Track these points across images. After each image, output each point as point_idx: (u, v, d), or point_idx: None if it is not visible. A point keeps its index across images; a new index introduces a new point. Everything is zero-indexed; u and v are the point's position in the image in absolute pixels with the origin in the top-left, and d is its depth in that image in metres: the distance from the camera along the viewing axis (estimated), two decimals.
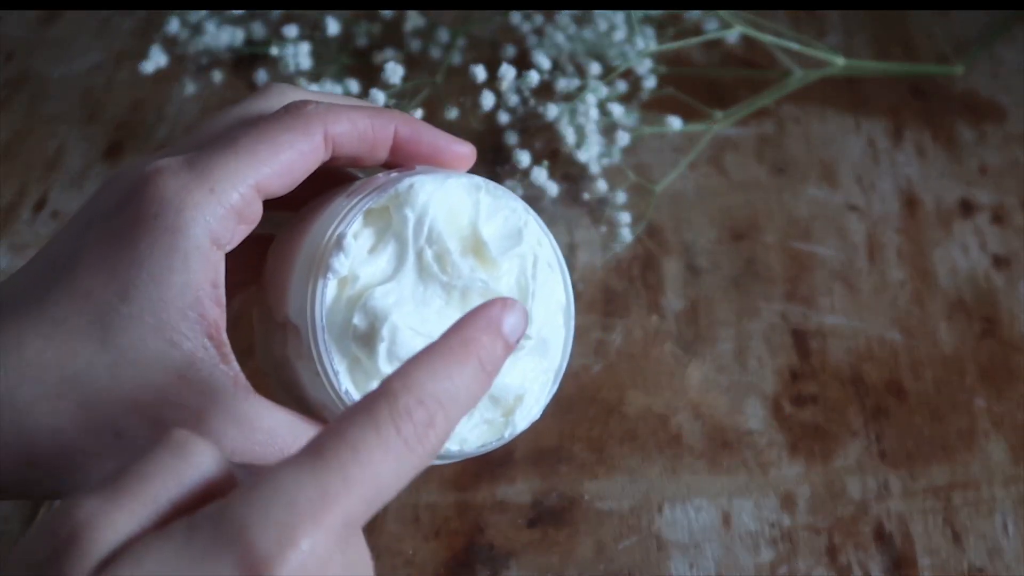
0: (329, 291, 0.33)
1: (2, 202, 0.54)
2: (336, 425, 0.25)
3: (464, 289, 0.34)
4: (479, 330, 0.28)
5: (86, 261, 0.31)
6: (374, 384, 0.33)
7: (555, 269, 0.37)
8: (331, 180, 0.37)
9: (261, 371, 0.37)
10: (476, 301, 0.34)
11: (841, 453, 0.45)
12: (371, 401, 0.26)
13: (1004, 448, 0.46)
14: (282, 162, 0.33)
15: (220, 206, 0.31)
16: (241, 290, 0.37)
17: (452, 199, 0.35)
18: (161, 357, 0.31)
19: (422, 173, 0.35)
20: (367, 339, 0.33)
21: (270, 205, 0.34)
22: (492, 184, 0.36)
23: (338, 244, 0.33)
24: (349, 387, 0.33)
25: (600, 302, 0.50)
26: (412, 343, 0.33)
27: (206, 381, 0.31)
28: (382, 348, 0.33)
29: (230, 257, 0.33)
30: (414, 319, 0.33)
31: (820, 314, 0.50)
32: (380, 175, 0.36)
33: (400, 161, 0.36)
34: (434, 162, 0.37)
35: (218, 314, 0.32)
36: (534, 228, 0.36)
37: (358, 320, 0.33)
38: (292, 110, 0.33)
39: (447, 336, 0.28)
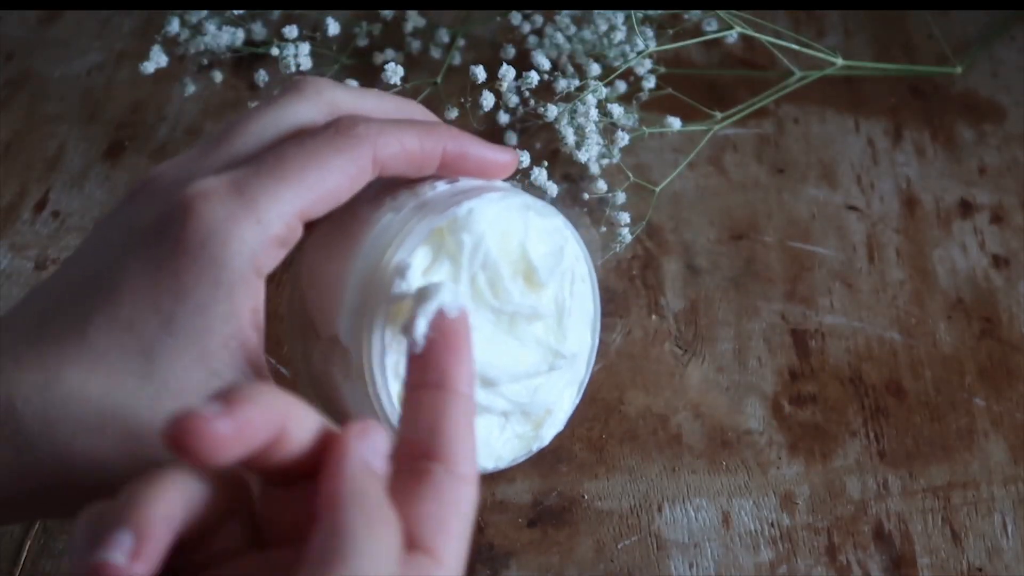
0: None
1: (2, 202, 0.54)
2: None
3: (512, 314, 0.34)
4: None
5: (127, 290, 0.31)
6: None
7: (587, 281, 0.37)
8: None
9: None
10: (522, 326, 0.35)
11: (840, 453, 0.45)
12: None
13: (1003, 448, 0.46)
14: (328, 189, 0.32)
15: (265, 235, 0.31)
16: None
17: (504, 222, 0.34)
18: (202, 387, 0.31)
19: (475, 196, 0.34)
20: None
21: None
22: (540, 203, 0.36)
23: (400, 274, 0.32)
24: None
25: (600, 302, 0.50)
26: None
27: None
28: None
29: None
30: None
31: (820, 314, 0.50)
32: (426, 186, 0.35)
33: (444, 174, 0.36)
34: (479, 175, 0.36)
35: (257, 339, 0.32)
36: (573, 245, 0.37)
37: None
38: (342, 130, 0.33)
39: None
